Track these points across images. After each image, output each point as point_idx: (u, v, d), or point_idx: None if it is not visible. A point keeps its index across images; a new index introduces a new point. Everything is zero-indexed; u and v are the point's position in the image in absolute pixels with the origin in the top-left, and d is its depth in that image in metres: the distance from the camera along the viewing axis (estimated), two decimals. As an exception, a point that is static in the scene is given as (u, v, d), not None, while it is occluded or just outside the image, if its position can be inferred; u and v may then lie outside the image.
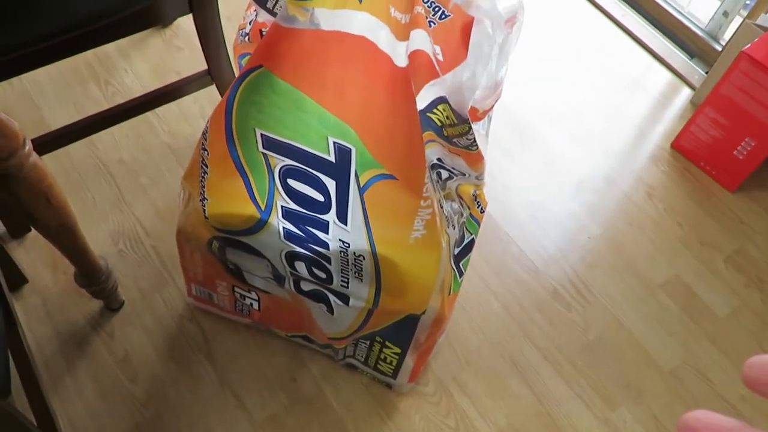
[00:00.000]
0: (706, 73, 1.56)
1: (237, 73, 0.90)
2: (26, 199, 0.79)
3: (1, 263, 1.02)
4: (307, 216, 0.77)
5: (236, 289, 0.98)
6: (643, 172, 1.42)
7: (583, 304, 1.20)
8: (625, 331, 1.18)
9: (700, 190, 1.40)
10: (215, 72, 1.15)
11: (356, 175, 0.71)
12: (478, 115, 0.74)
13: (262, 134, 0.71)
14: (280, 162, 0.73)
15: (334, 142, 0.69)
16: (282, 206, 0.77)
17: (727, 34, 1.60)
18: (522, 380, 1.10)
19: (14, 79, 1.31)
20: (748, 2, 1.54)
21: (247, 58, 0.79)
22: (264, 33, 0.74)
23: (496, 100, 0.72)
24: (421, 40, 0.61)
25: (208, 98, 1.33)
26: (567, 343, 1.15)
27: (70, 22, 0.90)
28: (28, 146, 0.75)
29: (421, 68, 0.63)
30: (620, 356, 1.15)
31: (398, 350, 0.96)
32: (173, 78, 1.30)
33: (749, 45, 1.26)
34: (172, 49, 1.43)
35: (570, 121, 1.47)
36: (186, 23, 1.44)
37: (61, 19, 0.89)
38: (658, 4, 1.69)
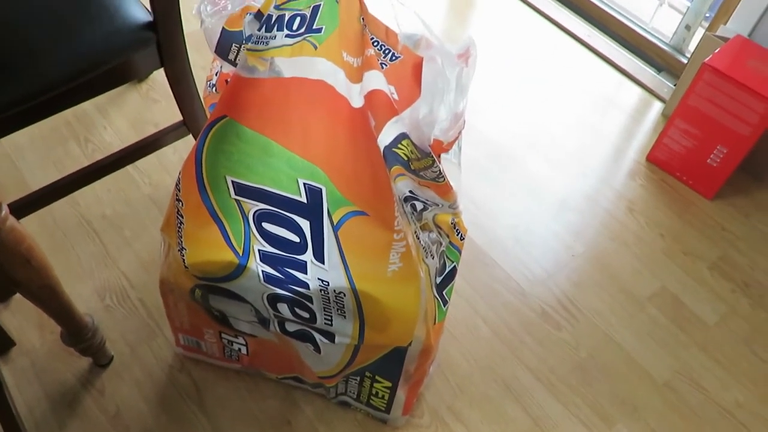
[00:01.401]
0: (674, 85, 1.59)
1: (209, 123, 0.91)
2: (6, 263, 0.80)
3: (-12, 328, 1.02)
4: (285, 258, 0.78)
5: (223, 335, 0.99)
6: (621, 187, 1.44)
7: (572, 323, 1.20)
8: (616, 347, 1.18)
9: (678, 200, 1.42)
10: (190, 122, 1.17)
11: (329, 214, 0.73)
12: (444, 147, 0.75)
13: (233, 181, 0.73)
14: (253, 207, 0.75)
15: (305, 183, 0.71)
16: (259, 250, 0.78)
17: (691, 47, 1.64)
18: (517, 404, 1.10)
19: (-6, 144, 1.33)
20: (707, 15, 1.59)
21: (216, 107, 0.81)
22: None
23: (460, 131, 0.74)
24: (376, 80, 0.63)
25: (187, 148, 1.34)
26: (559, 363, 1.15)
27: (45, 84, 0.92)
28: (5, 210, 0.76)
29: (380, 106, 0.65)
30: (613, 372, 1.15)
31: (389, 384, 0.96)
32: (152, 130, 1.32)
33: (710, 56, 1.30)
34: (149, 102, 1.46)
35: (546, 144, 1.50)
36: (161, 76, 1.46)
37: (35, 83, 0.91)
38: (621, 23, 1.73)
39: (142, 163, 1.33)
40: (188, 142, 1.24)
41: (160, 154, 1.33)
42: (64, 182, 1.12)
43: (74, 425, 1.02)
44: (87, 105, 1.42)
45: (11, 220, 0.77)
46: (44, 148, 1.35)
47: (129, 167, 1.32)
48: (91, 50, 0.94)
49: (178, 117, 1.19)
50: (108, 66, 0.97)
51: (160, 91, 1.47)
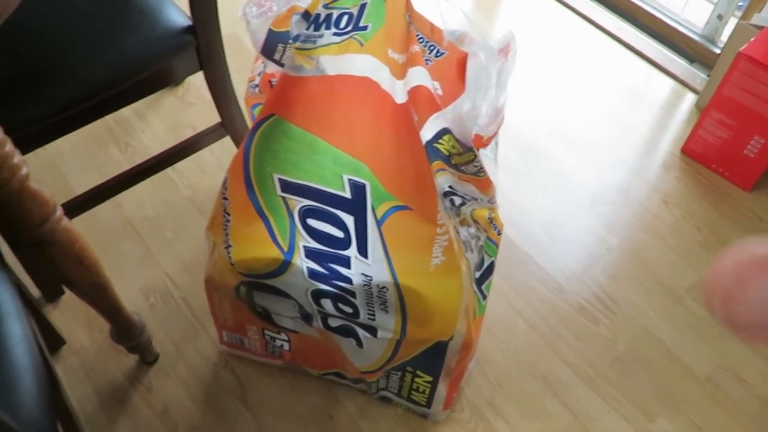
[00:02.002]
0: (708, 76, 1.58)
1: (249, 123, 0.94)
2: (60, 262, 0.82)
3: (40, 327, 1.05)
4: (329, 253, 0.80)
5: (266, 331, 1.01)
6: (655, 179, 1.43)
7: (609, 317, 1.20)
8: (655, 340, 1.17)
9: (714, 192, 1.40)
10: (228, 123, 1.20)
11: (372, 209, 0.74)
12: (483, 141, 0.76)
13: (279, 178, 0.74)
14: (298, 203, 0.76)
15: (349, 179, 0.72)
16: (304, 246, 0.80)
17: (724, 37, 1.62)
18: (556, 399, 1.10)
19: (39, 150, 1.36)
20: (740, 3, 1.57)
21: (259, 107, 0.83)
22: (273, 83, 0.78)
23: (499, 126, 0.75)
24: (420, 76, 0.64)
25: (224, 149, 1.37)
26: (598, 357, 1.15)
27: (89, 91, 0.95)
28: (59, 211, 0.79)
29: (423, 102, 0.66)
30: (653, 366, 1.14)
31: (430, 378, 0.97)
32: (189, 133, 1.35)
33: (746, 45, 1.28)
34: (185, 106, 1.49)
35: (578, 138, 1.49)
36: (196, 79, 1.49)
37: (79, 90, 0.94)
38: (652, 15, 1.72)
39: (180, 165, 1.35)
40: (225, 144, 1.27)
41: (197, 156, 1.36)
42: (107, 186, 1.16)
43: (124, 421, 1.05)
44: (126, 110, 1.46)
45: (65, 220, 0.80)
46: (86, 152, 1.39)
47: (168, 170, 1.35)
48: (134, 56, 0.97)
49: (214, 120, 1.22)
50: (150, 71, 1.00)
51: (196, 94, 1.50)
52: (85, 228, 1.26)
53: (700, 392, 1.11)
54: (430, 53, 0.72)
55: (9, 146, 0.69)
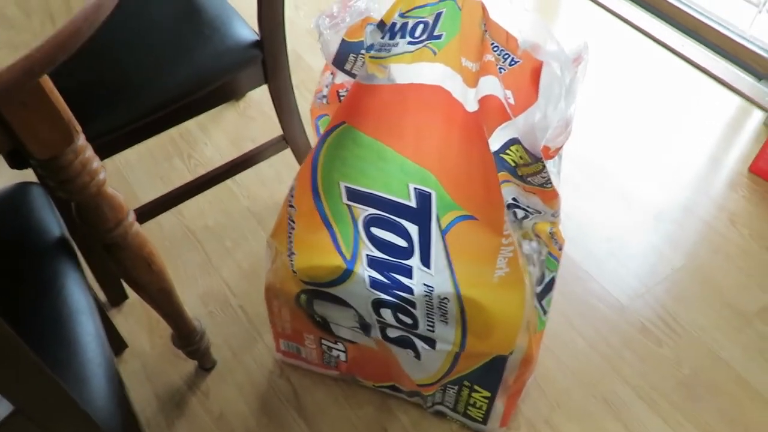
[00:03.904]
0: (777, 93, 1.52)
1: (311, 134, 0.95)
2: (130, 265, 0.85)
3: (106, 330, 1.08)
4: (391, 263, 0.80)
5: (323, 341, 1.01)
6: (721, 199, 1.38)
7: (674, 338, 1.16)
8: (722, 364, 1.13)
9: (785, 212, 1.35)
10: (290, 136, 1.22)
11: (437, 218, 0.74)
12: (549, 153, 0.75)
13: (346, 186, 0.75)
14: (363, 212, 0.77)
15: (415, 188, 0.73)
16: (366, 255, 0.80)
17: (795, 53, 1.57)
18: (617, 420, 1.06)
19: (107, 160, 1.42)
20: (813, 19, 1.51)
21: (325, 118, 0.85)
22: (341, 94, 0.79)
23: (567, 138, 0.74)
24: (491, 85, 0.64)
25: (283, 162, 1.40)
26: (661, 379, 1.11)
27: (160, 103, 0.98)
28: (132, 216, 0.81)
29: (492, 112, 0.66)
30: (720, 390, 1.10)
31: (488, 394, 0.96)
32: (249, 146, 1.38)
33: (821, 61, 1.23)
34: (246, 120, 1.52)
35: (640, 155, 1.46)
36: (257, 95, 1.54)
37: (151, 102, 0.98)
38: (717, 31, 1.68)
39: (240, 177, 1.39)
40: (284, 156, 1.30)
41: (257, 168, 1.39)
42: (171, 195, 1.19)
43: (182, 425, 1.07)
44: (190, 123, 1.50)
45: (137, 225, 0.83)
46: (152, 163, 1.43)
47: (228, 181, 1.38)
48: (205, 69, 1.01)
49: (273, 133, 1.24)
50: (218, 83, 1.03)
51: (257, 109, 1.54)
52: (149, 236, 1.31)
53: (772, 420, 1.06)
54: (504, 62, 0.72)
55: (90, 152, 0.72)
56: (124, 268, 0.85)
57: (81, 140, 0.69)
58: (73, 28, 0.54)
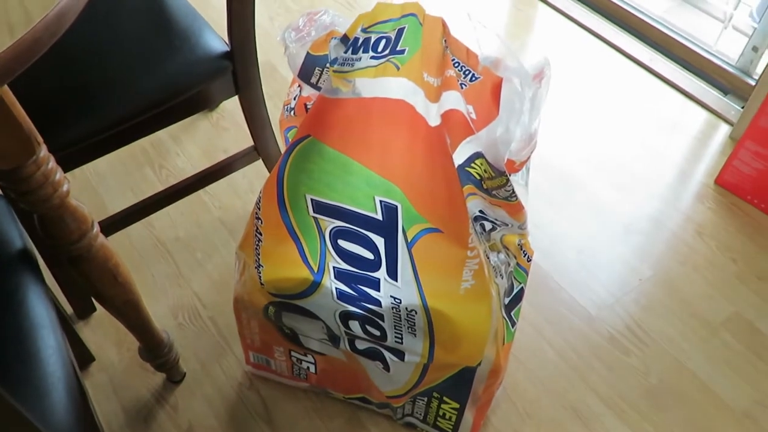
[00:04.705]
0: (742, 107, 1.56)
1: (282, 146, 0.95)
2: (95, 278, 0.84)
3: (72, 343, 1.07)
4: (359, 275, 0.80)
5: (293, 353, 1.01)
6: (689, 210, 1.40)
7: (642, 348, 1.18)
8: (689, 373, 1.14)
9: (750, 224, 1.38)
10: (261, 147, 1.22)
11: (404, 231, 0.74)
12: (515, 166, 0.76)
13: (312, 199, 0.75)
14: (330, 224, 0.77)
15: (381, 201, 0.73)
16: (334, 267, 0.80)
17: (759, 68, 1.61)
18: (586, 430, 1.07)
19: (76, 170, 1.40)
20: (776, 36, 1.55)
21: (293, 131, 0.85)
22: (308, 107, 0.79)
23: (532, 152, 0.75)
24: (453, 100, 0.65)
25: (255, 172, 1.40)
26: (629, 389, 1.12)
27: (129, 112, 0.98)
28: (96, 228, 0.81)
29: (455, 126, 0.66)
30: (687, 400, 1.11)
31: (456, 405, 0.96)
32: (221, 156, 1.38)
33: (782, 76, 1.27)
34: (219, 130, 1.52)
35: (611, 167, 1.48)
36: (230, 105, 1.53)
37: (120, 111, 0.97)
38: (685, 46, 1.71)
39: (212, 187, 1.38)
40: (256, 167, 1.29)
41: (230, 179, 1.38)
42: (141, 206, 1.18)
43: (149, 439, 1.05)
44: (161, 133, 1.49)
45: (101, 237, 0.82)
46: (122, 173, 1.42)
47: (200, 191, 1.37)
48: (174, 79, 1.00)
49: (246, 144, 1.24)
50: (188, 94, 1.03)
51: (230, 119, 1.54)
52: (117, 247, 1.29)
53: (738, 428, 1.08)
54: (465, 77, 0.72)
55: (52, 163, 0.71)
56: (89, 281, 0.84)
57: (43, 151, 0.68)
58: (31, 40, 0.53)
